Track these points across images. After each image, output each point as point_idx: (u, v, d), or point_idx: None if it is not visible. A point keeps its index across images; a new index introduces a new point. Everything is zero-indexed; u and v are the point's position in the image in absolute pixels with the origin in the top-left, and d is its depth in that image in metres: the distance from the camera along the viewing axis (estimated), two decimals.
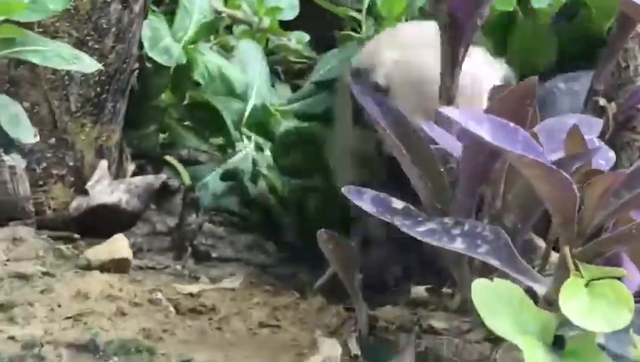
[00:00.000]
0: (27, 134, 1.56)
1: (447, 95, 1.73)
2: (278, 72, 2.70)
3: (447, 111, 1.08)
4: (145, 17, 1.99)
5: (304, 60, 2.68)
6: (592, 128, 1.52)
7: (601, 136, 1.60)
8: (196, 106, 2.33)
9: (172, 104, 2.31)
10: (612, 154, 1.51)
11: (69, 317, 1.45)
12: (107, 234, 1.74)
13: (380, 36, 2.05)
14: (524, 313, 1.18)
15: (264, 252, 2.01)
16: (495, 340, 1.45)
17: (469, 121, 1.07)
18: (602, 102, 1.85)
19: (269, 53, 2.59)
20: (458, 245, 1.32)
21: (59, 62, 1.53)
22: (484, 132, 1.08)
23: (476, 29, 1.71)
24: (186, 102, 2.30)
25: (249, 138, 2.28)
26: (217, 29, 2.76)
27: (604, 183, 1.14)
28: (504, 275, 1.29)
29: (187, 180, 1.87)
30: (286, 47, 2.69)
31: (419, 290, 1.66)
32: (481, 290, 1.18)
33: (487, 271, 1.46)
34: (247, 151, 2.22)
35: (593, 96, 1.88)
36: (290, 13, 2.61)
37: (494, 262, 1.29)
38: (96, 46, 1.82)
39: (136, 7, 1.89)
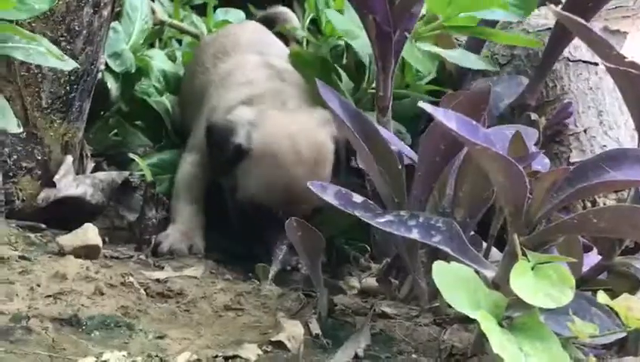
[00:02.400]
0: (12, 125, 1.63)
1: (382, 104, 1.88)
2: None
3: (426, 107, 1.22)
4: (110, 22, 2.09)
5: None
6: (529, 137, 1.68)
7: None
8: (145, 108, 2.44)
9: (123, 105, 2.41)
10: (547, 160, 1.67)
11: (50, 296, 1.53)
12: (71, 225, 1.83)
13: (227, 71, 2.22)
14: (479, 292, 1.31)
15: (218, 249, 2.10)
16: (442, 323, 1.59)
17: (442, 116, 1.22)
18: (534, 116, 2.02)
19: None
20: (414, 235, 1.46)
21: (45, 59, 1.61)
22: (454, 126, 1.22)
23: (405, 40, 1.87)
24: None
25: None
26: (161, 39, 2.88)
27: (551, 177, 1.29)
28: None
29: (149, 177, 1.96)
30: None
31: (369, 281, 1.79)
32: (441, 271, 1.31)
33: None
34: None
35: (525, 111, 2.05)
36: None
37: (447, 250, 1.42)
38: (68, 47, 1.91)
39: (105, 13, 1.99)
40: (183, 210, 2.05)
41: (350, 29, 2.16)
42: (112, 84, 2.27)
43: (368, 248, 2.08)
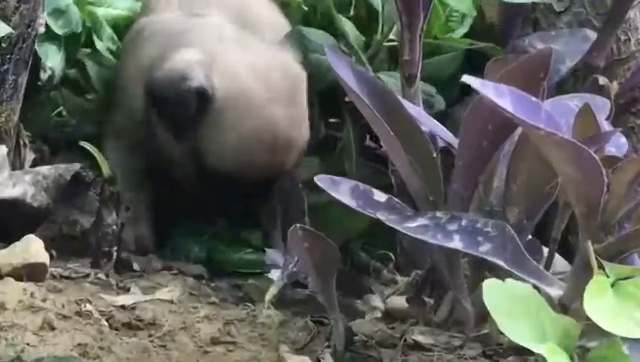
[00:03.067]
0: None
1: (409, 71, 1.86)
2: None
3: (471, 81, 1.20)
4: None
5: None
6: (600, 109, 1.66)
7: None
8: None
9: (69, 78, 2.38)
10: (624, 140, 1.64)
11: None
12: (8, 237, 1.81)
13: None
14: (542, 316, 1.29)
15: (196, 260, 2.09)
16: (493, 355, 1.58)
17: (493, 93, 1.19)
18: (602, 80, 1.99)
19: None
20: (456, 243, 1.44)
21: None
22: (509, 106, 1.20)
23: None
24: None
25: None
26: None
27: (635, 167, 1.27)
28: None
29: (106, 170, 1.94)
30: None
31: (395, 300, 1.78)
32: (493, 291, 1.29)
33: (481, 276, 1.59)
34: None
35: (591, 74, 2.03)
36: None
37: (499, 262, 1.41)
38: None
39: None
40: (127, 199, 2.08)
41: None
42: (52, 59, 2.23)
43: (392, 256, 2.07)
